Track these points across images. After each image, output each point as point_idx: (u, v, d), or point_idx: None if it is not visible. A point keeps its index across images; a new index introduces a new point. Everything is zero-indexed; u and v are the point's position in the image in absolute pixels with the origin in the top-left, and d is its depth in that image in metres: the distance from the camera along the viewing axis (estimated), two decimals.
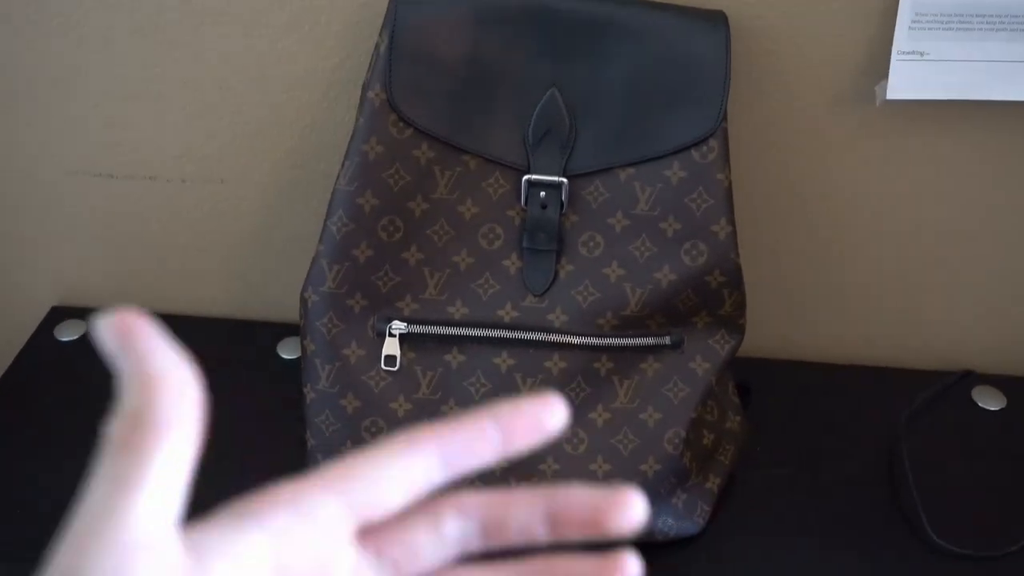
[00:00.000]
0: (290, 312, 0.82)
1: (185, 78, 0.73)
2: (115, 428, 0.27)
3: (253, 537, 0.27)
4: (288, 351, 0.81)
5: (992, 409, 0.78)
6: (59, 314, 0.84)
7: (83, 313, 0.84)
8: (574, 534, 0.30)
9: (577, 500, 0.30)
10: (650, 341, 0.65)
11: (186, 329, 0.82)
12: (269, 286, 0.83)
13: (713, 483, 0.67)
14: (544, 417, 0.30)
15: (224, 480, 0.69)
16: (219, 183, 0.78)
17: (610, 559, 0.29)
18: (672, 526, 0.65)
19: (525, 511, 0.30)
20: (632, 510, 0.30)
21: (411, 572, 0.30)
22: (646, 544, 0.66)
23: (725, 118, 0.63)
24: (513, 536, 0.30)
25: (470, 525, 0.30)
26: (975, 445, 0.74)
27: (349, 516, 0.29)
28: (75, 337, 0.81)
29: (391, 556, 0.30)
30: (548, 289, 0.65)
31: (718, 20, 0.64)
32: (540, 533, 0.30)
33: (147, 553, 0.25)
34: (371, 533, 0.30)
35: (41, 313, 0.85)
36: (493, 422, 0.30)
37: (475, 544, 0.31)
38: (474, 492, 0.31)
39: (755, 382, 0.77)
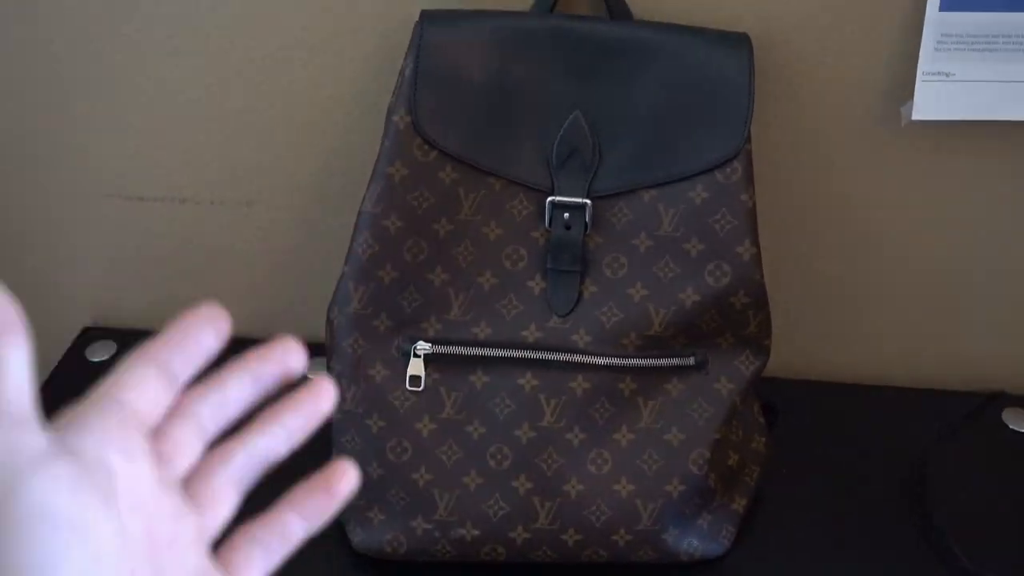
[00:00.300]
0: (317, 333, 0.82)
1: (213, 103, 0.75)
2: None
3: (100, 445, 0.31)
4: (315, 372, 0.81)
5: (1022, 431, 0.77)
6: (91, 335, 0.85)
7: (115, 334, 0.85)
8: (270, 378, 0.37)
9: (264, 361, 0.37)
10: (674, 362, 0.65)
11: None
12: (296, 307, 0.84)
13: (739, 504, 0.67)
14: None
15: (249, 498, 0.70)
16: (247, 205, 0.79)
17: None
18: (697, 547, 0.65)
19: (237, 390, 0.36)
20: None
21: (185, 468, 0.34)
22: (671, 565, 0.65)
23: (749, 140, 0.64)
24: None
25: (207, 408, 0.35)
26: (1006, 467, 0.74)
27: (134, 424, 0.33)
28: (106, 357, 0.83)
29: (164, 450, 0.34)
30: (572, 310, 0.65)
31: (742, 42, 0.64)
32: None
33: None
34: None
35: (73, 334, 0.87)
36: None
37: (214, 426, 0.36)
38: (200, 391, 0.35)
39: (781, 403, 0.77)
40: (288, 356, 0.37)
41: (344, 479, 0.37)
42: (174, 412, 0.35)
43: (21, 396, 0.30)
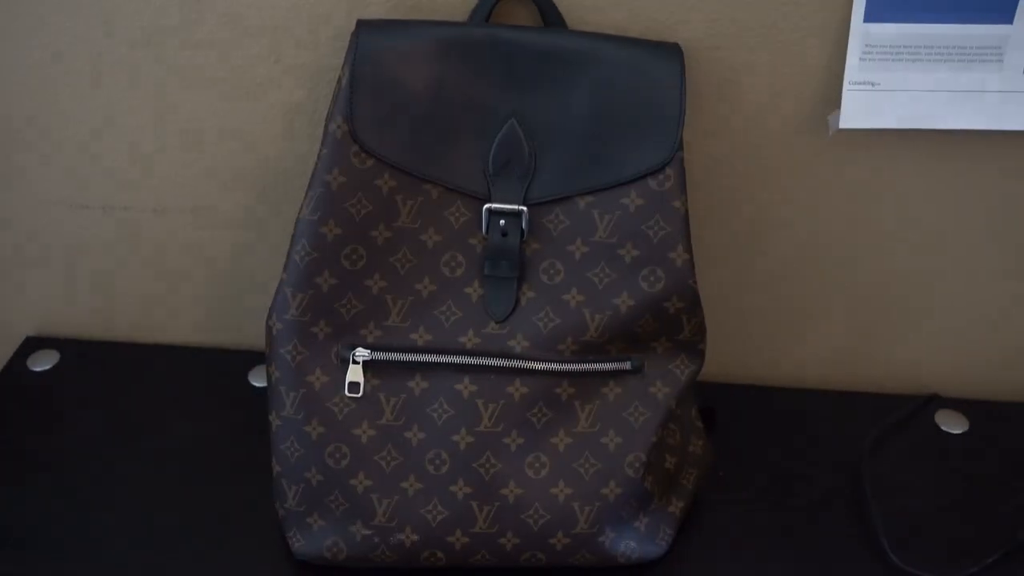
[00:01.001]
0: (261, 340, 0.83)
1: (155, 112, 0.75)
2: None
3: None
4: (259, 379, 0.81)
5: (955, 432, 0.79)
6: (33, 344, 0.85)
7: (57, 343, 0.85)
8: None
9: None
10: (610, 366, 0.66)
11: (159, 358, 0.83)
12: (240, 314, 0.84)
13: (676, 506, 0.68)
14: None
15: (193, 506, 0.70)
16: (189, 213, 0.79)
17: None
18: (635, 549, 0.66)
19: None
20: None
21: None
22: (610, 568, 0.66)
23: (681, 147, 0.65)
24: None
25: None
26: (938, 468, 0.75)
27: None
28: (48, 367, 0.82)
29: None
30: (509, 316, 0.66)
31: (674, 52, 0.65)
32: None
33: None
34: None
35: (15, 343, 0.86)
36: None
37: None
38: None
39: (720, 407, 0.78)
40: None
41: None
42: None
43: None
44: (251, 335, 0.84)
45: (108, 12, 0.71)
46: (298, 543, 0.65)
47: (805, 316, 0.81)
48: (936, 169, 0.74)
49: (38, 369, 0.82)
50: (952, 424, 0.79)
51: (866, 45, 0.66)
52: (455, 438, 0.64)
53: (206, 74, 0.73)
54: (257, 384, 0.81)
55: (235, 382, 0.81)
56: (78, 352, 0.84)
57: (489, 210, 0.65)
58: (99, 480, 0.72)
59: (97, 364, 0.83)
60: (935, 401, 0.81)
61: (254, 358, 0.83)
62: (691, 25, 0.69)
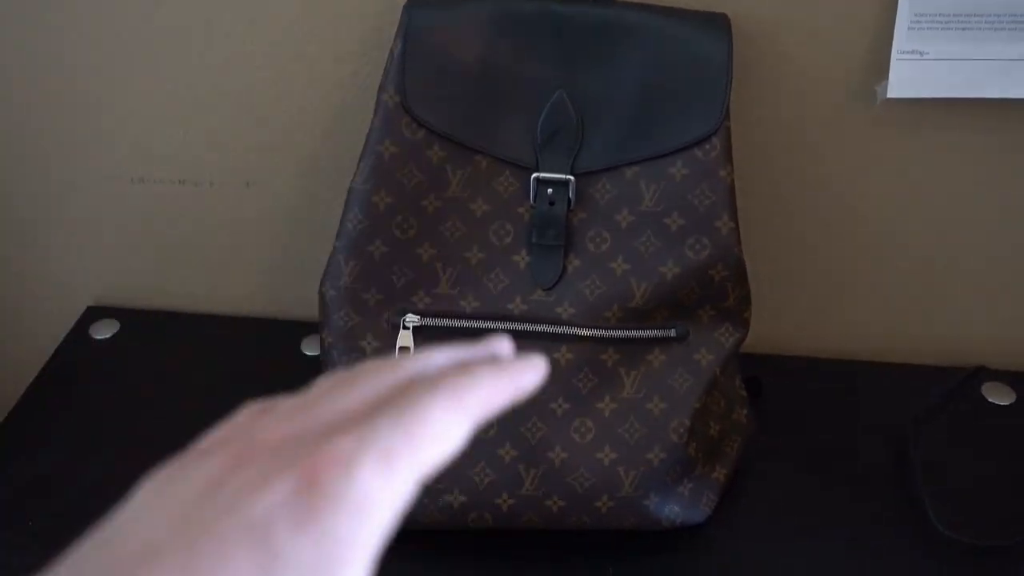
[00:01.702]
0: (314, 310, 0.85)
1: (211, 87, 0.77)
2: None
3: None
4: (311, 348, 0.83)
5: (1002, 404, 0.78)
6: (94, 313, 0.87)
7: (117, 312, 0.88)
8: None
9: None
10: (655, 333, 0.67)
11: (215, 327, 0.86)
12: (294, 285, 0.86)
13: (720, 473, 0.69)
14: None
15: None
16: (244, 186, 0.81)
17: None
18: (678, 514, 0.67)
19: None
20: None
21: None
22: (653, 532, 0.67)
23: (727, 117, 0.65)
24: None
25: None
26: (984, 440, 0.75)
27: None
28: (109, 336, 0.85)
29: None
30: (556, 283, 0.67)
31: (721, 22, 0.66)
32: None
33: None
34: None
35: (77, 312, 0.89)
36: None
37: None
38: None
39: (765, 377, 0.79)
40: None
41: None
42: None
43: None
44: (303, 305, 0.86)
45: None
46: None
47: (850, 287, 0.81)
48: (984, 139, 0.73)
49: (99, 337, 0.85)
50: (999, 396, 0.79)
51: (915, 14, 0.66)
52: None
53: (261, 51, 0.75)
54: (309, 353, 0.83)
55: (288, 351, 0.83)
56: (137, 321, 0.87)
57: (537, 179, 0.66)
58: (157, 445, 0.74)
59: (155, 333, 0.85)
60: (982, 373, 0.81)
61: (305, 328, 0.85)
62: None
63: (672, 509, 0.66)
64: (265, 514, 0.25)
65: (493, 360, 0.33)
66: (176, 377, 0.80)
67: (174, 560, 0.24)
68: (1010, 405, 0.78)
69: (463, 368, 0.32)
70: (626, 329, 0.66)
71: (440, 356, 0.33)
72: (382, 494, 0.26)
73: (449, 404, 0.29)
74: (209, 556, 0.24)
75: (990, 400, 0.79)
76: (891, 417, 0.77)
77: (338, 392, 0.31)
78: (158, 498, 0.26)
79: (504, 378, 0.32)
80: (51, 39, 0.76)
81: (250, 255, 0.85)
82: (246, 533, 0.25)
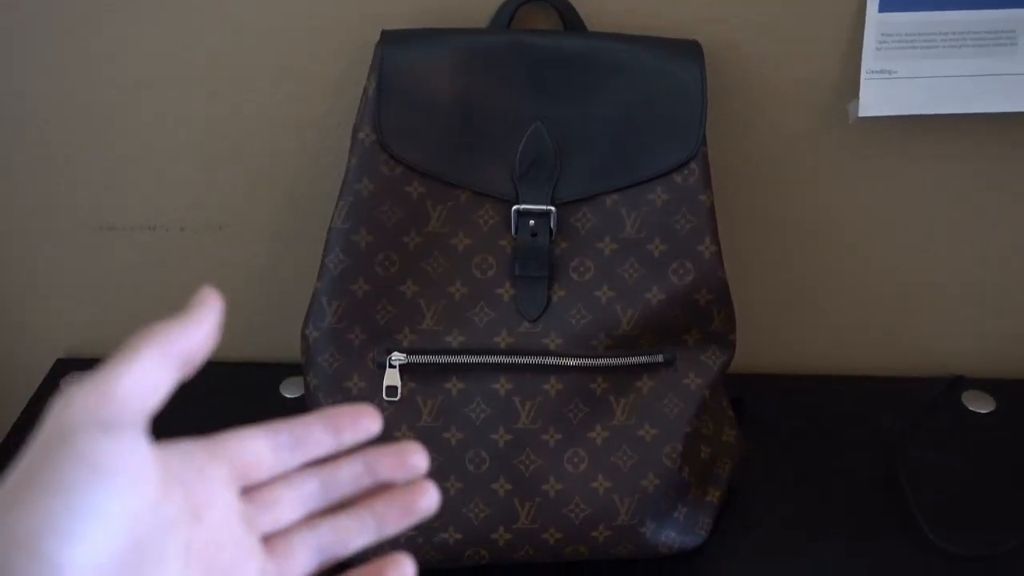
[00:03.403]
0: (292, 352, 0.83)
1: (181, 131, 0.76)
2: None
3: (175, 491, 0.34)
4: (290, 390, 0.82)
5: (982, 412, 0.79)
6: (64, 366, 0.85)
7: (88, 365, 0.86)
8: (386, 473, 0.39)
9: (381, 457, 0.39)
10: (643, 359, 0.67)
11: (193, 374, 0.84)
12: (271, 327, 0.85)
13: (713, 496, 0.69)
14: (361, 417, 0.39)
15: None
16: (218, 230, 0.80)
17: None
18: (675, 539, 0.66)
19: (348, 470, 0.39)
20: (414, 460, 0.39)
21: (274, 524, 0.38)
22: (652, 559, 0.67)
23: (704, 142, 0.66)
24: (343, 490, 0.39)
25: (315, 483, 0.39)
26: (967, 448, 0.76)
27: (233, 476, 0.37)
28: None
29: (260, 507, 0.37)
30: (542, 314, 0.66)
31: (693, 49, 0.67)
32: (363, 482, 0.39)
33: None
34: (248, 492, 0.37)
35: (47, 365, 0.87)
36: (323, 425, 0.39)
37: (317, 501, 0.39)
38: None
39: (749, 396, 0.79)
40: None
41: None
42: (286, 477, 0.38)
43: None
44: (281, 347, 0.85)
45: (122, 36, 0.72)
46: None
47: (830, 303, 0.82)
48: (955, 153, 0.75)
49: None
50: (979, 404, 0.80)
51: (882, 34, 0.67)
52: (494, 437, 0.65)
53: (232, 91, 0.74)
54: (289, 396, 0.82)
55: (267, 394, 0.82)
56: None
57: (518, 211, 0.66)
58: None
59: None
60: (961, 382, 0.82)
61: (285, 370, 0.84)
62: (710, 23, 0.70)
63: (668, 535, 0.66)
64: None
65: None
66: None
67: None
68: (990, 413, 0.79)
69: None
70: (614, 357, 0.66)
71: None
72: None
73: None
74: None
75: (971, 408, 0.80)
76: (876, 431, 0.77)
77: None
78: None
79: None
80: (16, 83, 0.75)
81: (227, 298, 0.84)
82: None
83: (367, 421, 0.39)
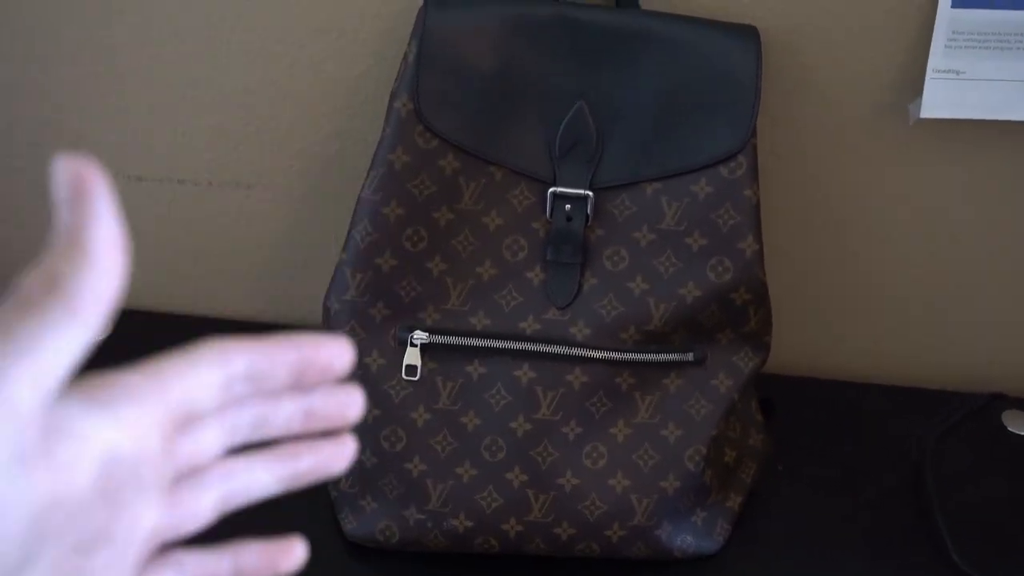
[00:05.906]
0: (314, 317, 0.82)
1: (213, 85, 0.74)
2: (28, 281, 0.28)
3: (99, 422, 0.29)
4: None
5: (1022, 434, 0.76)
6: None
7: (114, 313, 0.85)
8: (315, 380, 0.35)
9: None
10: (673, 357, 0.64)
11: (210, 331, 0.83)
12: (293, 292, 0.83)
13: (734, 501, 0.66)
14: (335, 360, 0.34)
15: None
16: (246, 188, 0.78)
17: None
18: (691, 544, 0.64)
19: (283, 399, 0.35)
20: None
21: (194, 462, 0.33)
22: (665, 562, 0.65)
23: (755, 134, 0.63)
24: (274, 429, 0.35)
25: (248, 419, 0.34)
26: (1003, 469, 0.73)
27: (165, 411, 0.31)
28: (102, 336, 0.82)
29: (182, 448, 0.32)
30: (571, 302, 0.64)
31: (750, 35, 0.63)
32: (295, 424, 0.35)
33: (7, 422, 0.26)
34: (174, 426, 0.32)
35: None
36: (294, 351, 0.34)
37: (243, 437, 0.34)
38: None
39: (780, 399, 0.77)
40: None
41: (289, 559, 0.35)
42: (218, 410, 0.33)
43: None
44: (304, 313, 0.83)
45: None
46: (350, 524, 0.64)
47: (871, 309, 0.79)
48: (1017, 163, 0.71)
49: None
50: (1020, 425, 0.77)
51: (953, 32, 0.63)
52: (512, 425, 0.63)
53: (266, 48, 0.72)
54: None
55: None
56: (131, 323, 0.84)
57: (554, 194, 0.63)
58: None
59: (149, 334, 0.82)
60: (1001, 400, 0.79)
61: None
62: (768, 6, 0.67)
63: (685, 539, 0.64)
64: None
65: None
66: None
67: None
68: None
69: None
70: (642, 352, 0.64)
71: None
72: None
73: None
74: None
75: (1010, 428, 0.77)
76: (907, 442, 0.75)
77: None
78: None
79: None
80: (49, 36, 0.73)
81: (248, 259, 0.82)
82: None
83: (338, 364, 0.35)
